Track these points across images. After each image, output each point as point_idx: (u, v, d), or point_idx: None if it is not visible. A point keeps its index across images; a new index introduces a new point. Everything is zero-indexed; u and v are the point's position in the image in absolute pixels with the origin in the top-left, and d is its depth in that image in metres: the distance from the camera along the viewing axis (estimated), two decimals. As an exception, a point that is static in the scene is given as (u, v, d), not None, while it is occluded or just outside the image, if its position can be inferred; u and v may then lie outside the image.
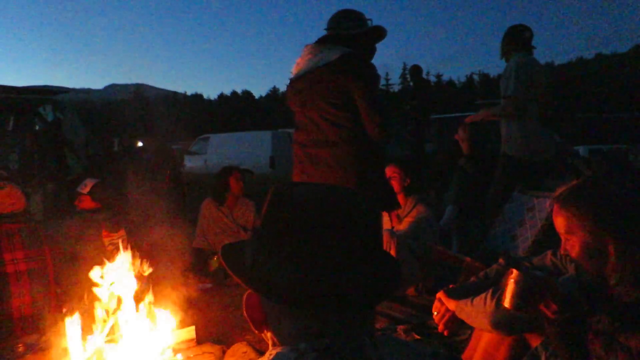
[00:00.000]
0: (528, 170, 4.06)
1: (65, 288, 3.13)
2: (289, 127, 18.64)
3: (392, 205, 3.12)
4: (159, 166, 6.43)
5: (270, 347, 0.85)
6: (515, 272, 1.43)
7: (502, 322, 1.68)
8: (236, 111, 70.90)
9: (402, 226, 3.82)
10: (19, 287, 2.93)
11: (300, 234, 0.80)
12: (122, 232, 3.89)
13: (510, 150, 4.13)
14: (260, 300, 0.84)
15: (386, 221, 3.89)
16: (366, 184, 2.81)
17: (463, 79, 79.51)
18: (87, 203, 3.82)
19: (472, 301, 1.79)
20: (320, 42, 2.92)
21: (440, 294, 1.96)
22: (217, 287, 4.09)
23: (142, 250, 3.17)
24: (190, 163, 13.61)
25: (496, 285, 1.81)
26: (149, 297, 2.76)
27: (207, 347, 2.86)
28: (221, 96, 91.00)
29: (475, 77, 76.00)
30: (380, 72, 2.97)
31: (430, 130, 10.61)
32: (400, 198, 3.78)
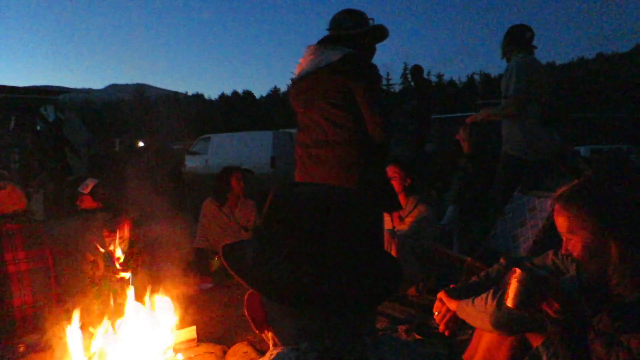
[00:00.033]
0: (529, 170, 4.06)
1: (66, 288, 3.13)
2: (289, 127, 18.63)
3: (393, 206, 3.12)
4: (160, 166, 6.44)
5: (271, 347, 0.85)
6: (518, 271, 1.42)
7: (503, 322, 1.68)
8: (237, 111, 70.90)
9: (403, 226, 3.82)
10: (20, 287, 2.93)
11: (301, 234, 0.80)
12: (123, 232, 3.89)
13: (511, 150, 4.12)
14: (261, 300, 0.84)
15: (387, 221, 3.89)
16: (368, 184, 2.81)
17: (464, 79, 79.45)
18: (88, 203, 3.82)
19: (473, 301, 1.78)
20: (322, 42, 2.92)
21: (441, 294, 1.96)
22: (218, 287, 4.09)
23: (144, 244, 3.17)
24: (191, 163, 13.58)
25: (497, 285, 1.81)
26: (150, 297, 2.76)
27: (208, 347, 2.86)
28: (222, 96, 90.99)
29: (476, 77, 75.89)
30: (381, 72, 2.97)
31: (431, 131, 10.61)
32: (401, 198, 3.78)
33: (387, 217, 3.88)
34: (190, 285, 3.93)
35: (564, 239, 1.46)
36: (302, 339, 0.78)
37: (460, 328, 1.98)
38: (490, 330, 1.74)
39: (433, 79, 70.01)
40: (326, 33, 2.96)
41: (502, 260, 2.04)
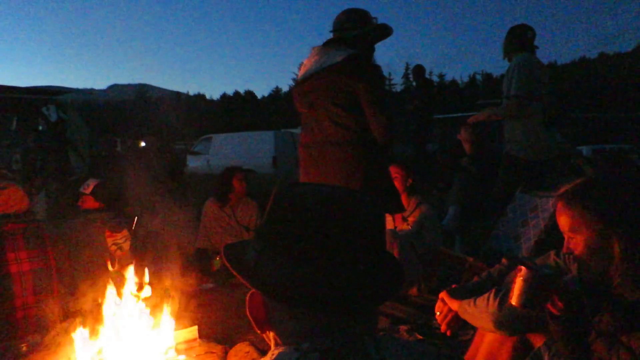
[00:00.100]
0: (531, 170, 4.06)
1: (69, 288, 3.14)
2: (291, 127, 18.64)
3: (396, 207, 3.12)
4: (162, 166, 6.44)
5: (272, 347, 0.85)
6: (524, 269, 1.42)
7: (505, 322, 1.68)
8: (239, 111, 70.90)
9: (405, 226, 3.82)
10: (22, 287, 2.93)
11: (303, 234, 0.80)
12: (125, 232, 3.90)
13: (513, 150, 4.12)
14: (263, 300, 0.84)
15: (389, 221, 3.89)
16: (371, 185, 2.81)
17: (466, 79, 79.39)
18: (89, 203, 3.83)
19: (475, 301, 1.78)
20: (327, 43, 2.93)
21: (443, 294, 1.96)
22: (220, 287, 4.09)
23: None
24: (193, 163, 13.61)
25: (499, 286, 1.81)
26: (151, 297, 2.77)
27: (209, 347, 2.87)
28: (224, 96, 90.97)
29: (478, 77, 75.87)
30: (383, 72, 2.97)
31: (433, 131, 10.61)
32: (402, 198, 3.78)
33: (388, 217, 3.88)
34: (192, 285, 3.93)
35: (566, 237, 1.46)
36: (304, 339, 0.78)
37: (462, 328, 1.98)
38: (492, 330, 1.74)
39: (435, 78, 69.96)
40: (330, 35, 2.97)
41: (503, 260, 2.03)
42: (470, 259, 3.39)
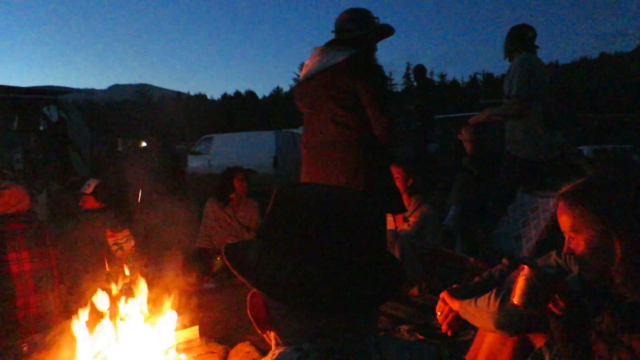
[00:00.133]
0: (532, 170, 4.06)
1: (70, 288, 3.14)
2: (292, 127, 18.65)
3: (398, 207, 3.12)
4: (163, 166, 6.45)
5: (273, 347, 0.85)
6: (526, 268, 1.42)
7: (506, 322, 1.68)
8: (239, 111, 70.92)
9: (406, 226, 3.82)
10: (23, 287, 2.94)
11: (304, 235, 0.80)
12: (126, 232, 3.90)
13: (514, 150, 4.12)
14: (264, 300, 0.84)
15: (390, 221, 3.89)
16: (373, 185, 2.81)
17: (467, 79, 79.37)
18: (90, 203, 3.83)
19: (475, 301, 1.78)
20: (329, 44, 2.93)
21: (443, 294, 1.96)
22: (221, 287, 4.09)
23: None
24: (194, 163, 13.62)
25: (500, 286, 1.81)
26: (153, 297, 2.77)
27: (210, 347, 2.87)
28: (224, 96, 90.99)
29: (479, 77, 75.83)
30: (384, 72, 2.98)
31: (434, 131, 10.60)
32: (403, 198, 3.79)
33: (389, 217, 3.88)
34: (193, 285, 3.94)
35: (566, 237, 1.46)
36: (305, 339, 0.78)
37: (462, 328, 1.98)
38: (493, 330, 1.74)
39: (436, 78, 69.93)
40: (332, 35, 2.97)
41: (504, 260, 2.03)
42: (471, 259, 3.39)
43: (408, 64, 77.08)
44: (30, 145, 7.91)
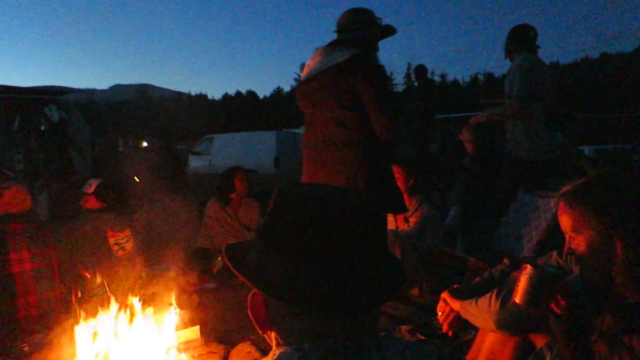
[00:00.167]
0: (533, 170, 4.06)
1: (71, 288, 3.14)
2: (293, 127, 18.64)
3: (399, 207, 3.12)
4: (164, 166, 6.45)
5: (273, 347, 0.85)
6: (529, 267, 1.42)
7: (507, 323, 1.68)
8: (240, 111, 70.94)
9: (406, 227, 3.82)
10: (24, 287, 2.94)
11: (305, 235, 0.80)
12: (127, 232, 3.90)
13: (515, 151, 4.12)
14: (265, 300, 0.84)
15: (390, 221, 3.89)
16: (375, 185, 2.81)
17: (467, 79, 79.28)
18: (92, 203, 3.83)
19: (476, 301, 1.78)
20: (331, 44, 2.93)
21: (444, 294, 1.96)
22: (221, 287, 4.09)
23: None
24: (195, 163, 13.62)
25: (501, 286, 1.81)
26: (154, 297, 2.77)
27: (211, 347, 2.87)
28: (225, 96, 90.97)
29: (480, 77, 75.68)
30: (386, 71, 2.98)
31: (435, 131, 10.60)
32: (404, 198, 3.79)
33: (390, 217, 3.88)
34: (194, 285, 3.94)
35: (567, 237, 1.46)
36: (305, 339, 0.78)
37: (463, 328, 1.98)
38: (494, 330, 1.74)
39: (437, 78, 69.91)
40: (334, 35, 2.97)
41: (505, 260, 2.03)
42: (472, 259, 3.39)
43: (409, 63, 76.98)
44: (31, 145, 7.92)
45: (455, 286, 1.99)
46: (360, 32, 2.87)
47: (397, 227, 3.86)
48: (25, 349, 2.74)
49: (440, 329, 2.00)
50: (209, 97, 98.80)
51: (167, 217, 4.00)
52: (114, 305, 2.57)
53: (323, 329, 0.79)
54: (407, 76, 69.61)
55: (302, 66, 3.08)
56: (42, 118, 8.61)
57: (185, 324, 2.91)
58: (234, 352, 2.80)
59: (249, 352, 2.74)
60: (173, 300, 2.82)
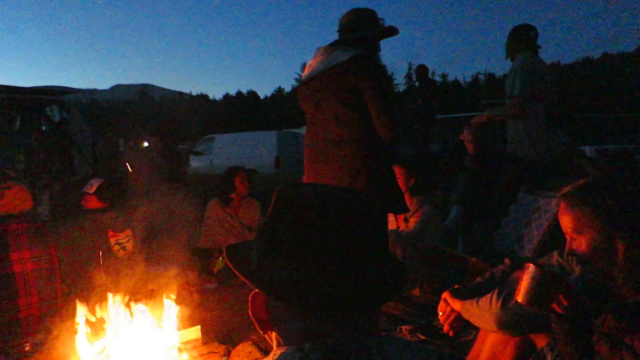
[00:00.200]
0: (534, 170, 4.05)
1: (72, 287, 3.15)
2: (294, 127, 18.65)
3: (400, 207, 3.12)
4: (165, 166, 6.46)
5: (274, 347, 0.85)
6: (531, 266, 1.42)
7: (508, 323, 1.67)
8: (241, 111, 70.95)
9: (407, 227, 3.82)
10: (25, 287, 2.94)
11: (306, 235, 0.80)
12: (128, 232, 3.90)
13: (516, 151, 4.11)
14: (266, 300, 0.84)
15: (391, 221, 3.89)
16: (376, 185, 2.81)
17: (469, 79, 79.23)
18: (93, 203, 3.83)
19: (477, 301, 1.78)
20: (333, 44, 2.94)
21: (445, 295, 1.95)
22: (222, 287, 4.09)
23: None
24: (196, 163, 13.64)
25: (502, 286, 1.81)
26: (155, 297, 2.77)
27: (212, 347, 2.87)
28: (226, 96, 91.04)
29: (481, 77, 75.62)
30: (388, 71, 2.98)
31: (436, 131, 10.59)
32: (405, 198, 3.78)
33: (391, 217, 3.88)
34: (194, 285, 3.94)
35: (568, 238, 1.45)
36: (306, 339, 0.78)
37: (464, 328, 1.97)
38: (495, 330, 1.74)
39: (438, 78, 69.86)
40: (336, 35, 2.97)
41: (506, 260, 2.03)
42: (473, 259, 3.39)
43: (410, 63, 77.11)
44: (32, 146, 7.92)
45: (456, 286, 1.99)
46: (362, 32, 2.87)
47: (398, 227, 3.86)
48: (27, 348, 2.74)
49: (441, 329, 1.99)
50: (210, 97, 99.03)
51: (167, 217, 4.00)
52: (115, 305, 2.57)
53: (324, 329, 0.79)
54: (408, 76, 69.65)
55: (304, 66, 3.08)
56: (43, 118, 8.62)
57: (186, 323, 2.92)
58: (234, 352, 2.80)
59: (250, 352, 2.74)
60: (174, 299, 2.82)
